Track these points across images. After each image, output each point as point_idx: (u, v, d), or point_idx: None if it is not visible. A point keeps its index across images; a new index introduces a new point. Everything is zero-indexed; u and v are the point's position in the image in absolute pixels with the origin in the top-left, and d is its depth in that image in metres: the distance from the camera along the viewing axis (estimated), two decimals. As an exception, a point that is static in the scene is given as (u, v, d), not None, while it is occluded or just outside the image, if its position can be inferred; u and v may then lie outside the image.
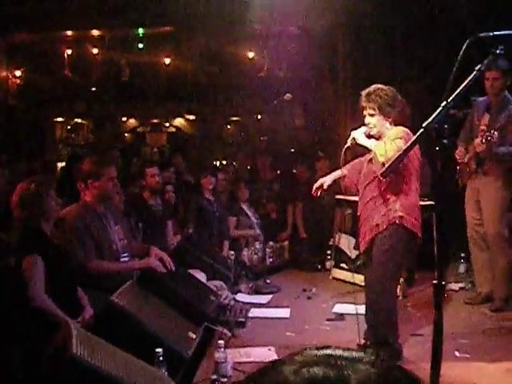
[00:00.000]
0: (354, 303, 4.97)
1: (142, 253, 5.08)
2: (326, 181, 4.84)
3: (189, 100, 13.90)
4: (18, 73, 10.46)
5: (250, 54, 10.65)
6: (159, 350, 3.51)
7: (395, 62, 8.37)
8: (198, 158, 13.92)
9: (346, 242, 7.59)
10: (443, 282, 2.19)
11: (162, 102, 14.28)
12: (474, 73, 2.18)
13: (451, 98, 2.15)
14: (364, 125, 4.59)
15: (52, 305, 3.72)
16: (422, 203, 4.76)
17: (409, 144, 2.18)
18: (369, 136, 4.55)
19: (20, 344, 3.37)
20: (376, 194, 4.52)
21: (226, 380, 4.01)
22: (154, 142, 16.61)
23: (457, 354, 4.59)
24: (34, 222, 4.00)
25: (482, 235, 5.96)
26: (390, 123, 4.52)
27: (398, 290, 6.28)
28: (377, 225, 4.47)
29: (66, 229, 4.63)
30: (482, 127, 5.70)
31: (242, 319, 5.42)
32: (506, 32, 2.22)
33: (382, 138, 4.46)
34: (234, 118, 16.19)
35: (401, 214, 4.38)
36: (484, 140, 5.35)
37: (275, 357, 4.62)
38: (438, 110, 2.15)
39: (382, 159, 4.29)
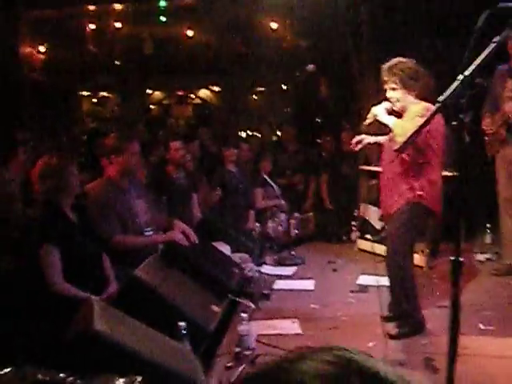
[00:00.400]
0: (377, 274, 4.97)
1: (166, 226, 5.12)
2: (368, 138, 4.75)
3: (213, 72, 13.85)
4: (41, 48, 10.50)
5: (273, 25, 10.55)
6: (182, 323, 3.54)
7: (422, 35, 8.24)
8: (223, 130, 13.94)
9: (371, 213, 7.57)
10: (460, 258, 2.17)
11: (187, 74, 14.24)
12: (492, 45, 2.14)
13: (468, 72, 2.11)
14: (387, 99, 4.53)
15: (71, 288, 3.74)
16: (447, 174, 4.71)
17: (425, 119, 2.14)
18: (391, 112, 4.48)
19: (43, 322, 3.41)
20: (397, 171, 4.44)
21: (249, 353, 4.04)
22: (179, 114, 16.62)
23: (481, 326, 4.56)
24: (54, 197, 4.01)
25: None
26: (415, 97, 4.40)
27: (423, 261, 6.30)
28: (396, 201, 4.43)
29: (89, 204, 4.67)
30: (508, 93, 5.60)
31: (267, 291, 5.45)
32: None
33: (406, 113, 4.39)
34: (260, 89, 16.10)
35: (419, 192, 4.32)
36: None
37: (299, 329, 4.65)
38: (454, 84, 2.11)
39: (400, 139, 4.23)
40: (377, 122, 4.53)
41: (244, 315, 4.12)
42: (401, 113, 4.46)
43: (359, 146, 4.76)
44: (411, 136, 2.15)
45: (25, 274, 3.89)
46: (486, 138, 5.89)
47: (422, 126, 2.16)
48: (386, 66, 4.42)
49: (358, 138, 4.75)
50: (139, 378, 2.53)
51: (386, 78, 4.43)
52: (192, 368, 3.08)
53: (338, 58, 9.97)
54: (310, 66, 7.52)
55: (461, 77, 2.10)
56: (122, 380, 2.52)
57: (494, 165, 5.99)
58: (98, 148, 6.41)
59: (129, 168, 4.84)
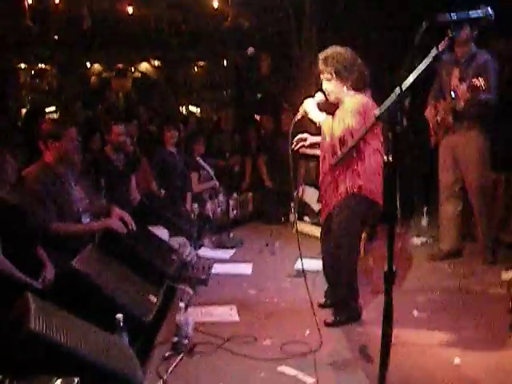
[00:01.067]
0: (314, 258, 5.03)
1: (104, 212, 5.08)
2: (310, 138, 4.73)
3: (153, 46, 13.67)
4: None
5: (215, 4, 10.43)
6: (120, 315, 3.54)
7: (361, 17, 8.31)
8: (163, 104, 13.81)
9: (310, 195, 7.64)
10: (394, 269, 2.23)
11: (127, 48, 14.01)
12: (429, 58, 2.17)
13: (405, 87, 2.14)
14: (321, 90, 4.53)
15: (10, 266, 3.69)
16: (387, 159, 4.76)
17: (360, 134, 2.18)
18: (325, 104, 4.50)
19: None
20: (334, 167, 4.43)
21: (187, 342, 4.07)
22: (119, 87, 16.34)
23: (415, 313, 4.69)
24: None
25: (456, 192, 6.05)
26: (349, 88, 4.40)
27: (361, 245, 6.40)
28: (337, 195, 4.43)
29: (26, 189, 4.59)
30: (455, 81, 5.69)
31: (205, 276, 5.47)
32: (464, 15, 2.20)
33: (341, 106, 4.41)
34: (200, 63, 15.98)
35: (360, 182, 4.31)
36: (470, 89, 5.29)
37: (236, 316, 4.70)
38: (390, 98, 2.14)
39: (327, 138, 4.29)
40: (308, 118, 4.53)
41: (181, 304, 4.13)
42: (336, 105, 4.47)
43: (299, 145, 4.75)
44: (348, 151, 2.17)
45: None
46: (430, 126, 5.99)
47: (357, 140, 2.19)
48: (321, 55, 4.41)
49: (299, 137, 4.75)
50: (76, 379, 2.53)
51: (321, 68, 4.43)
52: (130, 365, 3.09)
53: (279, 38, 9.96)
54: (251, 49, 7.45)
55: (398, 90, 2.13)
56: (59, 381, 2.52)
57: (434, 150, 6.11)
58: (35, 130, 6.26)
59: (66, 154, 4.75)
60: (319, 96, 4.51)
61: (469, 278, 5.61)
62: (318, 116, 4.46)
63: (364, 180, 4.34)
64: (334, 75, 4.36)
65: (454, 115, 5.73)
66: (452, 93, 5.60)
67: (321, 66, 4.41)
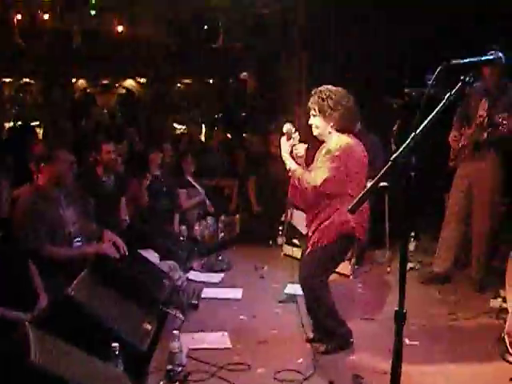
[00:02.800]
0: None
1: (96, 236, 5.06)
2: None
3: (139, 63, 13.70)
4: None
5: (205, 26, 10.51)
6: (115, 344, 3.51)
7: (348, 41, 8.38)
8: (148, 121, 13.80)
9: (298, 218, 7.62)
10: (404, 310, 2.23)
11: (113, 64, 14.02)
12: (444, 102, 2.19)
13: (419, 130, 2.16)
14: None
15: (1, 310, 3.63)
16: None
17: (375, 179, 2.17)
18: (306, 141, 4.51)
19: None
20: (318, 204, 4.39)
21: (180, 369, 4.05)
22: (104, 103, 16.38)
23: (406, 341, 4.67)
24: None
25: (465, 219, 6.10)
26: (333, 127, 4.36)
27: (349, 269, 6.41)
28: (325, 232, 4.34)
29: (17, 212, 4.56)
30: (482, 112, 5.71)
31: (195, 301, 5.44)
32: (478, 59, 2.23)
33: (325, 144, 4.39)
34: (186, 81, 16.03)
35: (353, 224, 4.27)
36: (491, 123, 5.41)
37: (229, 343, 4.67)
38: (406, 143, 2.15)
39: (309, 185, 4.28)
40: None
41: (175, 332, 4.10)
42: (320, 141, 4.47)
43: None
44: (365, 196, 2.17)
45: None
46: (452, 150, 6.04)
47: (373, 186, 2.19)
48: (313, 90, 4.43)
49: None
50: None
51: (309, 104, 4.44)
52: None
53: (266, 58, 10.02)
54: (245, 74, 7.52)
55: (413, 134, 2.15)
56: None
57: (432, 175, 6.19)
58: (25, 153, 6.24)
59: (58, 177, 4.74)
60: (286, 128, 4.49)
61: (458, 304, 5.64)
62: (289, 164, 4.45)
63: (355, 220, 4.28)
64: (318, 112, 4.36)
65: (475, 146, 5.81)
66: (477, 123, 5.68)
67: (309, 101, 4.43)
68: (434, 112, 2.16)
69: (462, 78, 2.19)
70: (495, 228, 6.11)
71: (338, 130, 4.37)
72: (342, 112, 4.31)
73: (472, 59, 2.23)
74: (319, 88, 4.40)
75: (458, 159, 6.03)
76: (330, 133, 4.39)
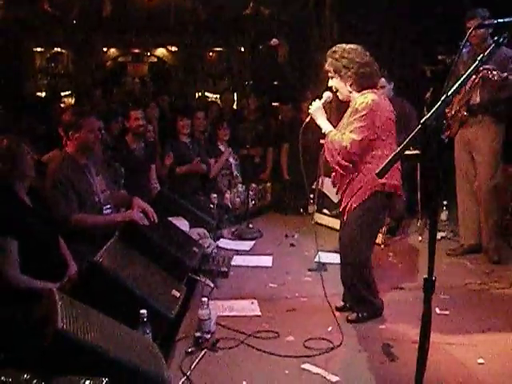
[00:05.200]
0: (335, 251, 4.96)
1: (125, 204, 5.05)
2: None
3: (171, 31, 13.60)
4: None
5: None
6: (143, 311, 3.51)
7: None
8: (180, 90, 13.75)
9: (329, 186, 7.56)
10: (434, 277, 2.17)
11: (144, 33, 13.98)
12: (476, 63, 2.12)
13: (451, 91, 2.09)
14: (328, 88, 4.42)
15: (28, 281, 3.61)
16: (407, 153, 4.69)
17: (405, 142, 2.10)
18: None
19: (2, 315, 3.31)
20: (351, 165, 4.28)
21: (209, 336, 4.05)
22: (135, 72, 16.37)
23: (437, 310, 4.62)
24: (7, 183, 3.83)
25: (473, 187, 5.96)
26: (352, 86, 4.25)
27: (380, 238, 6.33)
28: (358, 193, 4.26)
29: (47, 179, 4.55)
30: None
31: (225, 269, 5.42)
32: (510, 19, 2.15)
33: (351, 106, 4.27)
34: (217, 49, 15.91)
35: (383, 180, 4.10)
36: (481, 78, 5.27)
37: (258, 311, 4.67)
38: (437, 105, 2.08)
39: (340, 147, 4.18)
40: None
41: (204, 299, 4.10)
42: (347, 103, 4.36)
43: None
44: (392, 161, 2.09)
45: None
46: (445, 121, 5.90)
47: (402, 149, 2.11)
48: (329, 51, 4.31)
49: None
50: (105, 380, 2.49)
51: (325, 66, 4.34)
52: (157, 363, 3.05)
53: (298, 26, 9.87)
54: (274, 40, 7.41)
55: (444, 97, 2.07)
56: (88, 382, 2.48)
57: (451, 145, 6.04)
58: (54, 119, 6.24)
59: (86, 145, 4.70)
60: (325, 96, 4.39)
61: (490, 275, 5.55)
62: (323, 125, 4.34)
63: (386, 177, 4.19)
64: (333, 73, 4.27)
65: (467, 109, 5.68)
66: (467, 86, 5.52)
67: (326, 63, 4.32)
68: (466, 74, 2.09)
69: (495, 38, 2.10)
70: (498, 197, 5.94)
71: (358, 89, 4.26)
72: (357, 70, 4.19)
73: (505, 19, 2.14)
74: (333, 48, 4.29)
75: (454, 128, 5.88)
76: (350, 92, 4.28)
